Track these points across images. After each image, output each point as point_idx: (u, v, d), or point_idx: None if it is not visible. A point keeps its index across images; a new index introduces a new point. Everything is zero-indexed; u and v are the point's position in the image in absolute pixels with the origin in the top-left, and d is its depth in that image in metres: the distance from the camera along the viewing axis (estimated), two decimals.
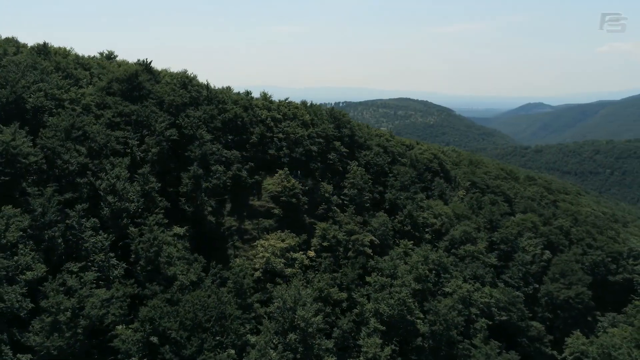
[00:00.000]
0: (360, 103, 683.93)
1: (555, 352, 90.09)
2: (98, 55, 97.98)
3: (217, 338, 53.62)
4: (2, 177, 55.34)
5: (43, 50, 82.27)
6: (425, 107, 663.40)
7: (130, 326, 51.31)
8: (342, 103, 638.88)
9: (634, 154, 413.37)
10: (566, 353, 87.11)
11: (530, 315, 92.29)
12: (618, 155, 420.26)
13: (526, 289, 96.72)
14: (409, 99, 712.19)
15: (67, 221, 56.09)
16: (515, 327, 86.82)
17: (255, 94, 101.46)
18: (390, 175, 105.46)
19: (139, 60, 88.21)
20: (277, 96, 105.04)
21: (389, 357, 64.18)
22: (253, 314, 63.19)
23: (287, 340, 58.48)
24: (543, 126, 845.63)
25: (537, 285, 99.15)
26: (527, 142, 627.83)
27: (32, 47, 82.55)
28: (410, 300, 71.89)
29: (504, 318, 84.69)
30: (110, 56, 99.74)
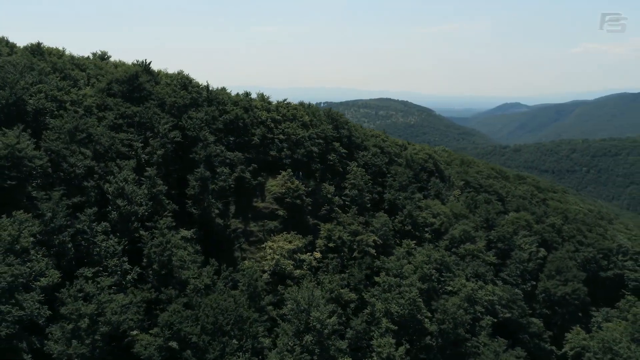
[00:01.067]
0: (341, 103, 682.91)
1: (554, 348, 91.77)
2: (91, 56, 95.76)
3: (234, 341, 52.99)
4: (9, 182, 53.56)
5: (37, 50, 80.00)
6: (406, 107, 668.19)
7: (150, 331, 50.31)
8: (324, 103, 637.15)
9: (609, 152, 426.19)
10: (566, 348, 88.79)
11: (530, 312, 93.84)
12: (593, 153, 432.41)
13: (524, 286, 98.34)
14: (390, 99, 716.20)
15: (77, 226, 54.70)
16: (517, 324, 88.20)
17: (253, 95, 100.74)
18: (389, 175, 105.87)
19: (137, 60, 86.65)
20: (275, 97, 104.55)
21: (402, 356, 64.38)
22: (266, 316, 62.65)
23: (303, 342, 58.04)
24: (520, 126, 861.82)
25: (534, 283, 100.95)
26: (504, 141, 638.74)
27: (26, 48, 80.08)
28: (419, 300, 72.34)
29: (507, 315, 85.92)
30: (103, 57, 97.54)
